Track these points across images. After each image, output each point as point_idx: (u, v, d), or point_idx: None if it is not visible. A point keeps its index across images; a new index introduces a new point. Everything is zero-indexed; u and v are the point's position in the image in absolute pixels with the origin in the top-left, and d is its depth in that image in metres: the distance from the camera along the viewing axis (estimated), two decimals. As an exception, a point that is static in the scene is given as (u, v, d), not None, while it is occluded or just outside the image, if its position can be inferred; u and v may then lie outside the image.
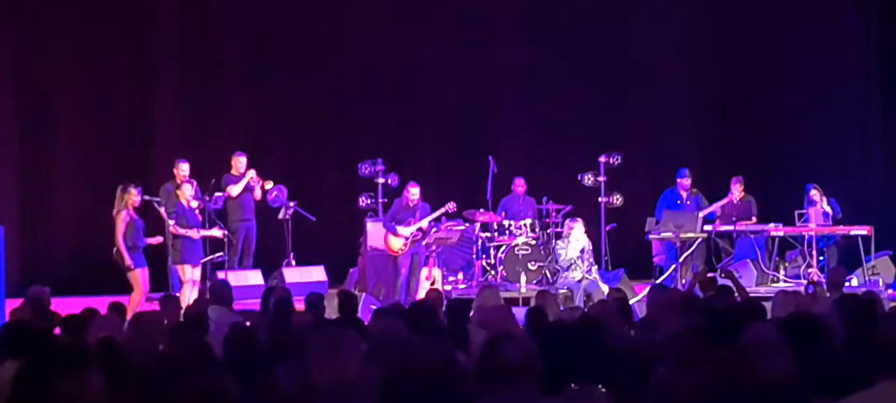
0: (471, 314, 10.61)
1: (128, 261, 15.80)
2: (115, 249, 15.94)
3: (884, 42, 21.57)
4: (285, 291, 11.88)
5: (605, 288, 16.97)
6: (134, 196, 16.07)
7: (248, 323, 9.80)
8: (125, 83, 20.40)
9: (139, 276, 15.90)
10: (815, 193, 18.62)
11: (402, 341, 7.62)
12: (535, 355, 6.45)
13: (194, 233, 16.45)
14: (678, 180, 19.05)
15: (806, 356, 6.71)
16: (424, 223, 17.55)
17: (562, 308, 12.55)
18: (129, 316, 13.99)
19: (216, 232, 17.13)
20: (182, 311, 11.95)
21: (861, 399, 5.91)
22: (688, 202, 18.94)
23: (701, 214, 18.55)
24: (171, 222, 16.42)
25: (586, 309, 12.17)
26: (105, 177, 18.10)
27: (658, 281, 17.85)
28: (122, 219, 15.88)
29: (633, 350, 7.22)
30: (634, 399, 6.15)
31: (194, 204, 16.77)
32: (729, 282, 11.98)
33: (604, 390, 5.69)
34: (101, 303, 11.72)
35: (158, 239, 16.44)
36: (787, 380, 6.23)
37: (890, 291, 17.18)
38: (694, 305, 9.98)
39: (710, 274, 14.00)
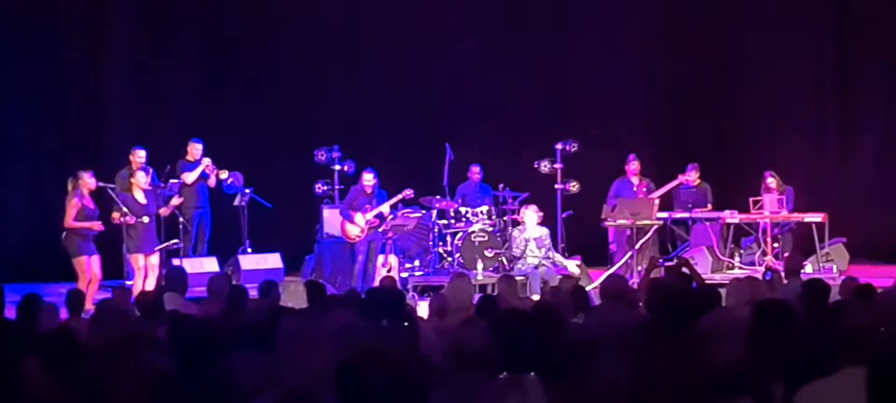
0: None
1: (97, 226, 15.75)
2: (63, 236, 15.87)
3: (839, 27, 21.64)
4: (231, 278, 11.84)
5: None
6: (86, 180, 15.98)
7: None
8: (78, 67, 20.24)
9: (85, 263, 15.80)
10: (771, 180, 18.70)
11: (362, 328, 7.62)
12: (491, 343, 6.46)
13: (144, 220, 16.35)
14: (626, 167, 19.10)
15: (769, 342, 6.73)
16: (385, 207, 17.51)
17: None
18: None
19: (175, 201, 17.05)
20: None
21: (823, 386, 5.92)
22: (641, 187, 18.97)
23: (655, 197, 18.60)
24: (125, 210, 16.29)
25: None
26: (57, 164, 17.97)
27: (613, 269, 17.89)
28: (72, 205, 15.80)
29: (584, 337, 7.22)
30: (583, 387, 6.16)
31: (140, 196, 16.57)
32: (685, 269, 12.02)
33: (534, 375, 5.69)
34: (51, 290, 11.65)
35: (129, 218, 16.30)
36: (741, 366, 6.24)
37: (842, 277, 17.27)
38: (649, 292, 10.00)
39: (667, 263, 14.07)
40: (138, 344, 6.87)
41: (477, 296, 11.37)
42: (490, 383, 5.61)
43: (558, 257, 17.76)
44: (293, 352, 6.39)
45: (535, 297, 14.28)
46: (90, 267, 15.85)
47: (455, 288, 11.09)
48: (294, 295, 14.64)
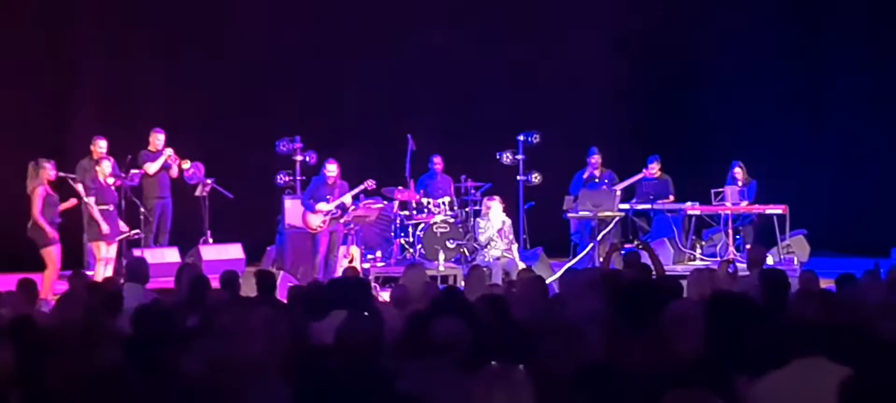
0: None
1: (51, 234, 15.67)
2: (29, 225, 15.78)
3: (801, 19, 21.73)
4: (198, 269, 11.82)
5: (522, 266, 17.04)
6: (48, 171, 15.93)
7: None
8: (40, 58, 20.13)
9: (53, 252, 15.75)
10: (738, 171, 18.79)
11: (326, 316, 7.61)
12: (463, 333, 6.46)
13: (110, 208, 16.31)
14: (588, 159, 19.15)
15: (725, 333, 6.75)
16: (347, 198, 17.47)
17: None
18: (44, 294, 13.93)
19: (127, 231, 17.01)
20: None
21: (781, 377, 5.94)
22: (605, 180, 19.03)
23: (617, 189, 18.64)
24: (91, 200, 16.24)
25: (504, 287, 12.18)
26: (19, 154, 17.83)
27: (574, 260, 17.92)
28: (38, 195, 15.74)
29: (543, 327, 7.23)
30: (543, 376, 6.16)
31: (110, 180, 16.60)
32: (646, 255, 12.07)
33: (521, 368, 5.69)
34: (14, 280, 11.58)
35: (72, 202, 16.34)
36: (698, 357, 6.25)
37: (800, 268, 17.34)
38: (610, 283, 10.01)
39: (627, 246, 14.10)
40: (94, 337, 6.84)
41: (440, 287, 11.39)
42: (476, 375, 5.60)
43: (515, 250, 17.77)
44: (231, 342, 6.38)
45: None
46: (60, 255, 15.83)
47: (409, 278, 11.13)
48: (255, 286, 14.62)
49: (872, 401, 5.35)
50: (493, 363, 5.69)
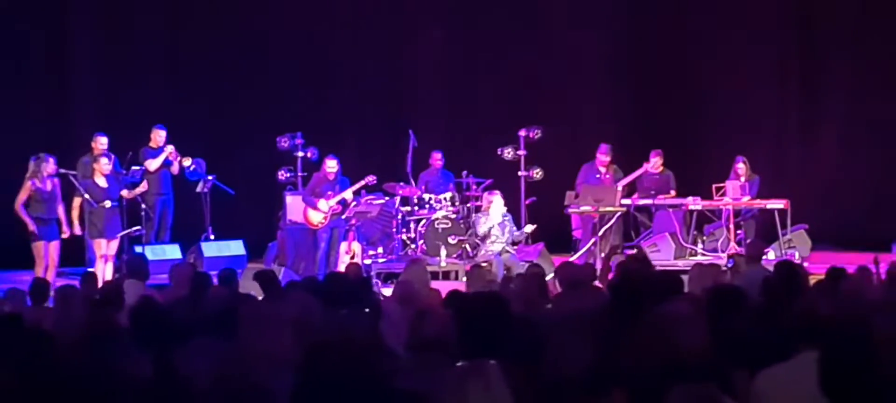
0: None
1: (31, 226, 15.69)
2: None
3: (801, 15, 21.72)
4: (195, 267, 11.80)
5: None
6: (48, 165, 15.93)
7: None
8: (41, 54, 20.13)
9: (42, 249, 15.75)
10: (741, 166, 18.74)
11: (324, 315, 7.60)
12: (450, 329, 6.45)
13: (106, 204, 16.29)
14: (598, 155, 19.08)
15: (725, 328, 6.75)
16: (348, 194, 17.47)
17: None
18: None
19: (140, 188, 17.00)
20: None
21: (781, 371, 5.93)
22: (607, 176, 19.00)
23: (619, 186, 18.61)
24: (87, 196, 16.25)
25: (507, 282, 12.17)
26: (20, 152, 17.83)
27: (575, 256, 17.90)
28: (24, 189, 15.78)
29: (544, 323, 7.23)
30: (544, 373, 6.15)
31: (102, 181, 16.53)
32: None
33: (494, 363, 5.69)
34: (16, 279, 11.59)
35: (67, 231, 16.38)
36: (701, 352, 6.25)
37: (806, 264, 17.30)
38: (615, 276, 10.03)
39: (626, 251, 14.09)
40: (99, 336, 6.83)
41: (443, 284, 11.40)
42: (450, 370, 5.60)
43: (516, 233, 17.76)
44: (253, 339, 6.36)
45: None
46: (47, 252, 15.81)
47: (411, 274, 11.12)
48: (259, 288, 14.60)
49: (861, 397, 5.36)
50: (460, 363, 5.68)
